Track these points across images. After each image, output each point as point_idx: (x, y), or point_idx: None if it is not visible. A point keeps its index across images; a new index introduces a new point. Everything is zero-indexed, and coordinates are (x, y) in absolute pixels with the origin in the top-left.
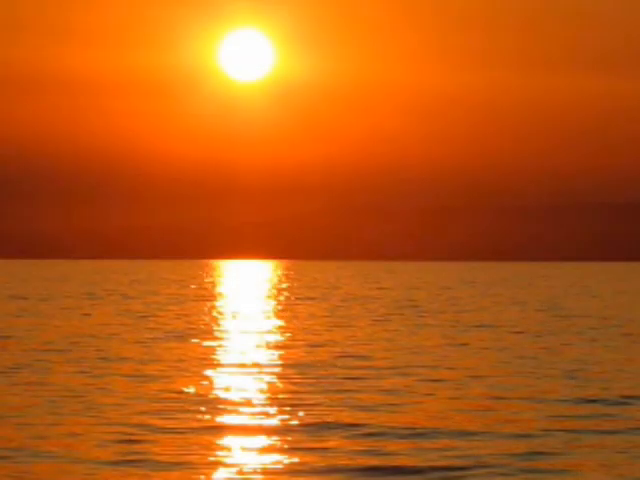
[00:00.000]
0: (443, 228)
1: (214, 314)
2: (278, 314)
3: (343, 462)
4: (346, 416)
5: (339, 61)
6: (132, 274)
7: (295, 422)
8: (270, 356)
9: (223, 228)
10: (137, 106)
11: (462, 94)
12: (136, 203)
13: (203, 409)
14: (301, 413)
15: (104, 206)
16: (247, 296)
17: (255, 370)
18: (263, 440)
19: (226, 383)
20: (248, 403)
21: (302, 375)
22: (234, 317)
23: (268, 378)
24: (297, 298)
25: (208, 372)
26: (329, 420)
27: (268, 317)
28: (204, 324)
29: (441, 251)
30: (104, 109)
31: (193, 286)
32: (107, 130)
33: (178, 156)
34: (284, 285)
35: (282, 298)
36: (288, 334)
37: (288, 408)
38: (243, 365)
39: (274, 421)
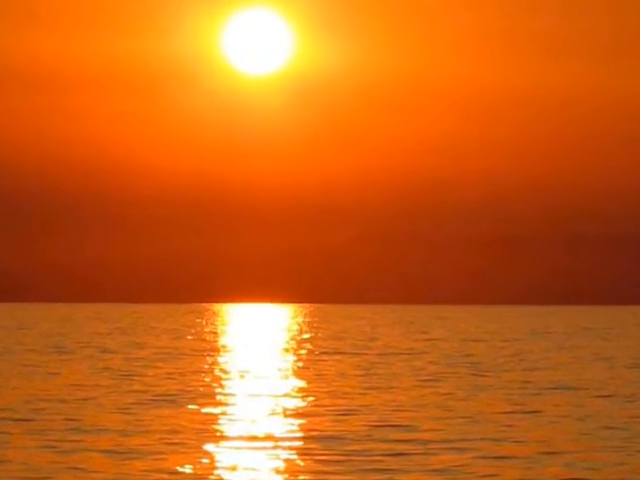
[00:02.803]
0: (508, 263)
1: (216, 372)
2: (298, 372)
3: None
4: None
5: (375, 50)
6: (112, 321)
7: None
8: (288, 426)
9: (229, 263)
10: (119, 106)
11: (532, 92)
12: (118, 230)
13: None
14: None
15: (77, 234)
16: (258, 349)
17: (269, 444)
18: None
19: (232, 460)
20: None
21: (329, 450)
22: (242, 376)
23: (285, 454)
24: (322, 352)
25: (209, 446)
26: None
27: (285, 376)
28: (203, 385)
29: (506, 292)
30: (76, 110)
31: (190, 337)
32: (81, 137)
33: (171, 170)
34: (306, 335)
35: (303, 352)
36: (311, 398)
37: None
38: (253, 438)
39: None
